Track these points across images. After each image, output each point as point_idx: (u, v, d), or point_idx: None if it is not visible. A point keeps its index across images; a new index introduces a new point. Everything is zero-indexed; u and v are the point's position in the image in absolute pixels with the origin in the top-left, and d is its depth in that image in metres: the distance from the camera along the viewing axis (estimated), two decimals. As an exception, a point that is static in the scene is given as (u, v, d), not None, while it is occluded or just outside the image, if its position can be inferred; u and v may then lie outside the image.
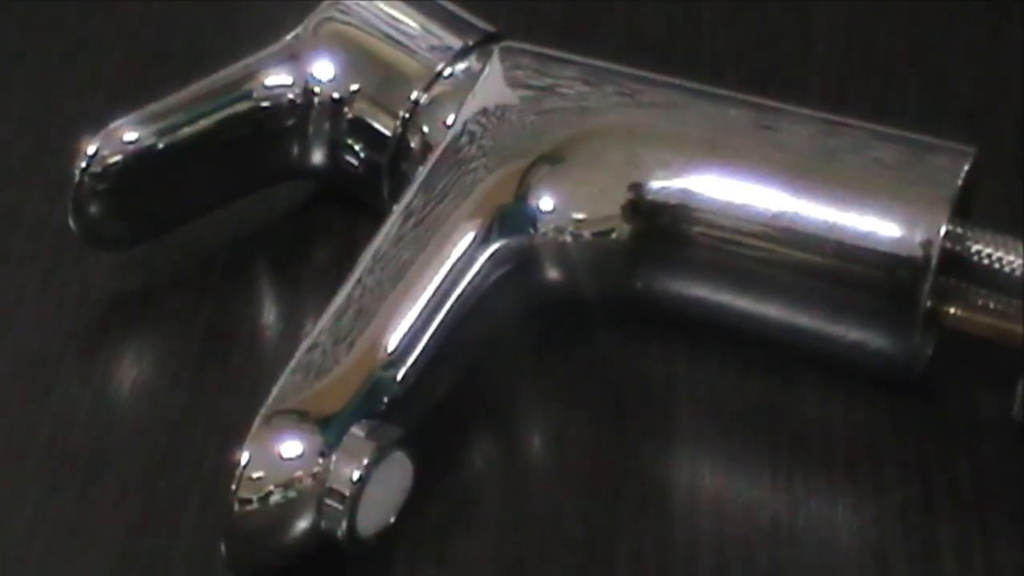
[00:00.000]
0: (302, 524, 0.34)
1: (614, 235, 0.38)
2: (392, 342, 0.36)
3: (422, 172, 0.38)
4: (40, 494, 0.37)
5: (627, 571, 0.36)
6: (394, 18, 0.41)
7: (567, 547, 0.36)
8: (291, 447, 0.34)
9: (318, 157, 0.41)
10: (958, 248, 0.37)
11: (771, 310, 0.39)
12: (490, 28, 0.41)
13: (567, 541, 0.36)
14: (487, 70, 0.40)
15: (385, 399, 0.35)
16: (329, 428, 0.34)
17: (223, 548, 0.34)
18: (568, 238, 0.38)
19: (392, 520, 0.35)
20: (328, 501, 0.34)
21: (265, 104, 0.41)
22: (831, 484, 0.38)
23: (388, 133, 0.40)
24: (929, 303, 0.37)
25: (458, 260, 0.37)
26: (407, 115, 0.40)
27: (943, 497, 0.37)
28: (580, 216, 0.38)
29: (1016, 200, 0.39)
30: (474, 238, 0.37)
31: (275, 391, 0.35)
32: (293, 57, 0.41)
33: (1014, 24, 0.48)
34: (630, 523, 0.37)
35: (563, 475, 0.38)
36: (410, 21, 0.41)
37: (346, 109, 0.41)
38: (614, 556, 0.36)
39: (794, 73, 0.44)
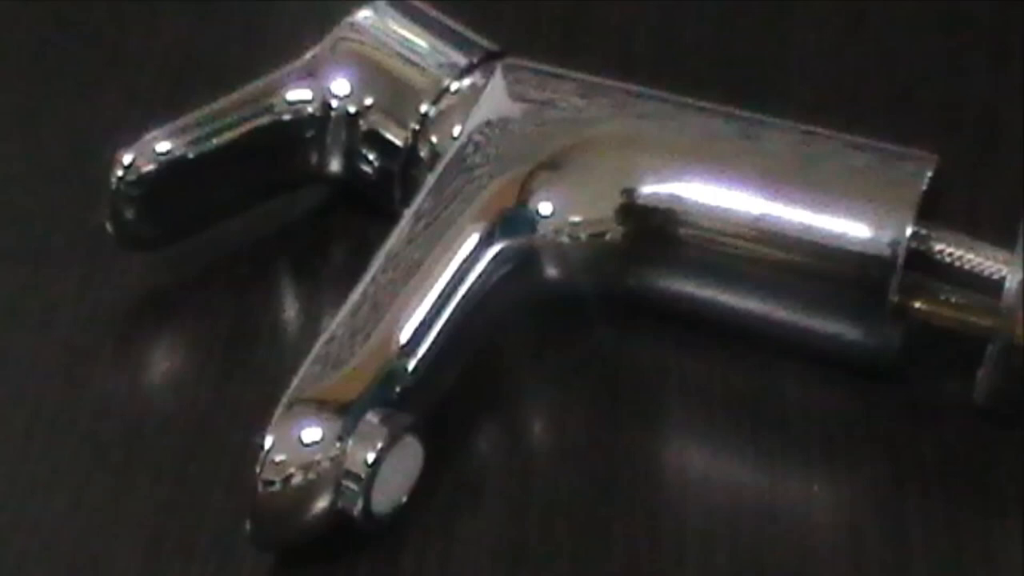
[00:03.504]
0: (321, 504, 0.34)
1: (608, 236, 0.39)
2: (404, 335, 0.36)
3: (431, 179, 0.39)
4: (78, 476, 0.37)
5: (622, 546, 0.36)
6: (405, 38, 0.41)
7: (566, 525, 0.36)
8: (311, 433, 0.34)
9: (335, 165, 0.41)
10: (923, 247, 0.37)
11: (753, 304, 0.39)
12: (493, 46, 0.41)
13: (566, 519, 0.36)
14: (490, 85, 0.40)
15: (398, 388, 0.35)
16: (346, 415, 0.34)
17: (248, 526, 0.34)
18: (566, 239, 0.38)
19: (404, 500, 0.35)
20: (345, 482, 0.34)
21: (287, 117, 0.41)
22: (808, 463, 0.38)
23: (400, 143, 0.40)
24: (897, 297, 0.37)
25: (464, 259, 0.37)
26: (417, 127, 0.40)
27: (911, 474, 0.37)
28: (577, 219, 0.38)
29: (976, 203, 0.39)
30: (479, 239, 0.37)
31: (296, 381, 0.35)
32: (312, 74, 0.41)
33: (977, 49, 0.48)
34: (624, 502, 0.37)
35: (562, 458, 0.38)
36: (419, 40, 0.41)
37: (361, 121, 0.41)
38: (610, 532, 0.36)
39: (773, 87, 0.44)
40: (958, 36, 0.48)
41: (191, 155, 0.40)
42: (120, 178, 0.39)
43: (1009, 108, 0.46)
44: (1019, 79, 0.46)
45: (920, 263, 0.37)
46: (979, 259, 0.37)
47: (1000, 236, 0.37)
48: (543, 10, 0.48)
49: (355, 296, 0.36)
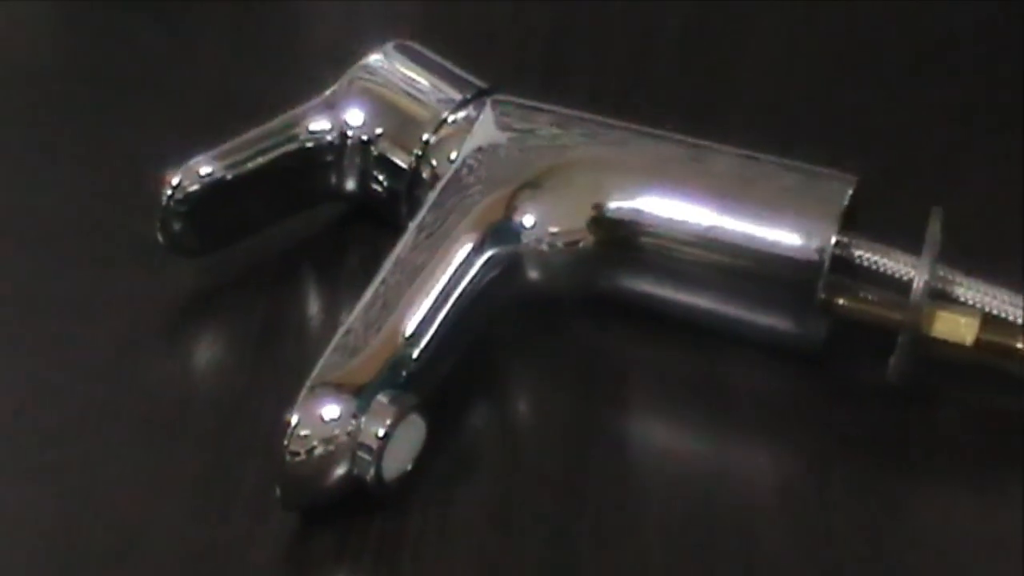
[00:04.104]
0: (339, 471, 0.34)
1: (581, 244, 0.39)
2: (409, 328, 0.36)
3: (432, 196, 0.39)
4: (131, 449, 0.37)
5: (594, 505, 0.36)
6: (409, 77, 0.41)
7: (548, 489, 0.36)
8: (331, 411, 0.34)
9: (350, 185, 0.41)
10: (845, 253, 0.37)
11: (703, 301, 0.39)
12: (483, 84, 0.41)
13: (548, 485, 0.36)
14: (482, 117, 0.40)
15: (404, 373, 0.35)
16: (360, 396, 0.34)
17: (278, 491, 0.34)
18: (546, 247, 0.38)
19: (409, 468, 0.35)
20: (359, 453, 0.34)
21: (309, 144, 0.41)
22: (750, 436, 0.38)
23: (405, 166, 0.40)
24: (823, 295, 0.37)
25: (460, 264, 0.37)
26: (420, 152, 0.40)
27: (835, 444, 0.37)
28: (555, 230, 0.38)
29: (890, 215, 0.39)
30: (472, 247, 0.37)
31: (318, 367, 0.35)
32: (331, 107, 0.41)
33: (892, 82, 0.48)
34: (597, 469, 0.37)
35: (544, 433, 0.38)
36: (421, 79, 0.41)
37: (372, 148, 0.41)
38: (585, 494, 0.36)
39: (719, 118, 0.44)
40: (875, 73, 0.48)
41: (229, 177, 0.40)
42: (169, 196, 0.39)
43: (920, 133, 0.46)
44: (927, 109, 0.47)
45: (842, 266, 0.37)
46: (891, 263, 0.37)
47: (909, 243, 0.37)
48: (526, 53, 0.48)
49: (368, 295, 0.36)
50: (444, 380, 0.37)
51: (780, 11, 0.50)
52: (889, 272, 0.37)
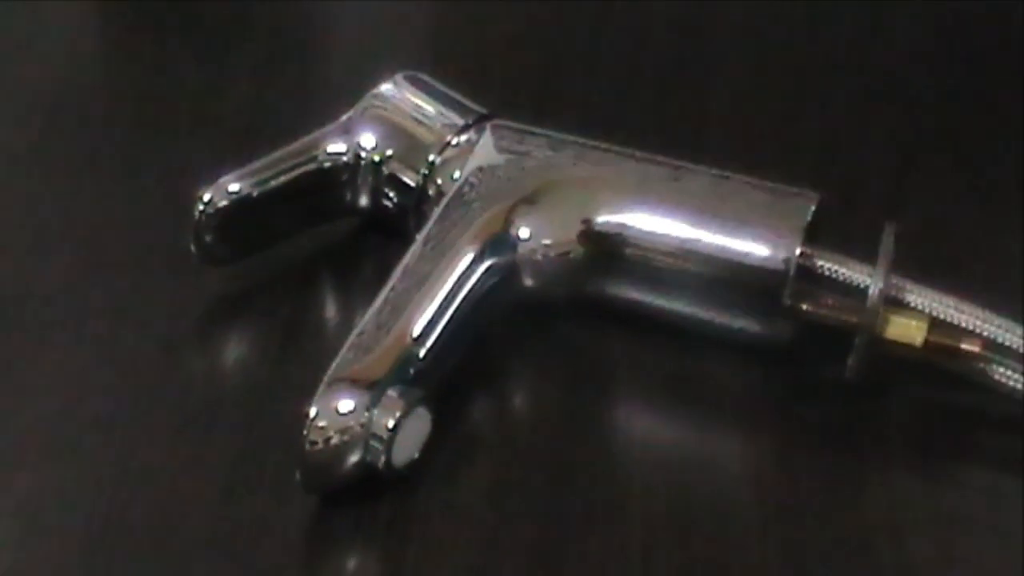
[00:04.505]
0: (353, 458, 0.34)
1: (571, 255, 0.38)
2: (416, 330, 0.36)
3: (437, 211, 0.38)
4: (167, 436, 0.37)
5: (582, 488, 0.36)
6: (417, 104, 0.41)
7: (540, 474, 0.36)
8: (346, 404, 0.34)
9: (363, 201, 0.41)
10: (808, 263, 0.37)
11: (681, 305, 0.39)
12: (483, 110, 0.41)
13: (540, 470, 0.36)
14: (482, 140, 0.40)
15: (411, 370, 0.35)
16: (373, 391, 0.34)
17: (298, 476, 0.34)
18: (540, 257, 0.38)
19: (417, 455, 0.35)
20: (372, 442, 0.34)
21: (327, 164, 0.41)
22: (724, 426, 0.38)
23: (413, 184, 0.40)
24: (788, 301, 0.37)
25: (462, 272, 0.37)
26: (426, 172, 0.40)
27: (800, 433, 0.37)
28: (548, 241, 0.38)
29: (848, 228, 0.39)
30: (473, 257, 0.37)
31: (334, 364, 0.35)
32: (346, 131, 0.41)
33: (854, 112, 0.48)
34: (585, 456, 0.37)
35: (537, 424, 0.38)
36: (427, 106, 0.41)
37: (384, 168, 0.40)
38: (574, 479, 0.36)
39: (695, 141, 0.44)
40: (833, 101, 0.48)
41: (255, 193, 0.40)
42: (201, 211, 0.39)
43: (874, 155, 0.46)
44: (880, 133, 0.46)
45: (806, 275, 0.37)
46: (849, 272, 0.37)
47: (865, 254, 0.37)
48: (522, 83, 0.47)
49: (379, 300, 0.36)
50: (448, 376, 0.36)
51: (748, 48, 0.50)
52: (847, 280, 0.37)
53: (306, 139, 0.41)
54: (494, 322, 0.38)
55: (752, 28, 0.51)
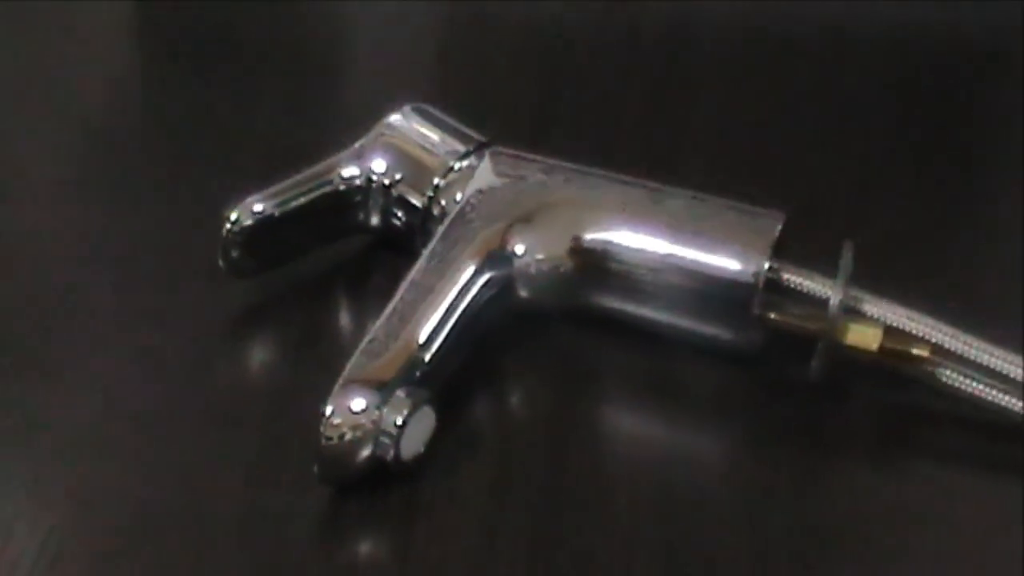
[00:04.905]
0: (365, 453, 0.34)
1: (562, 268, 0.38)
2: (422, 336, 0.36)
3: (441, 229, 0.38)
4: (197, 434, 0.36)
5: (573, 480, 0.36)
6: (423, 133, 0.41)
7: (535, 466, 0.36)
8: (358, 403, 0.34)
9: (374, 220, 0.41)
10: (775, 276, 0.37)
11: (661, 314, 0.38)
12: (482, 138, 0.41)
13: (535, 463, 0.36)
14: (481, 165, 0.40)
15: (417, 372, 0.35)
16: (382, 391, 0.34)
17: (315, 469, 0.34)
18: (533, 270, 0.38)
19: (423, 450, 0.35)
20: (382, 438, 0.34)
21: (342, 187, 0.40)
22: (700, 425, 0.38)
23: (419, 205, 0.40)
24: (758, 311, 0.37)
25: (463, 285, 0.37)
26: (431, 194, 0.40)
27: (769, 431, 0.37)
28: (540, 256, 0.38)
29: (811, 244, 0.38)
30: (474, 271, 0.37)
31: (348, 367, 0.35)
32: (359, 157, 0.41)
33: (818, 138, 0.48)
34: (576, 450, 0.36)
35: (532, 421, 0.38)
36: (432, 134, 0.41)
37: (393, 190, 0.40)
38: (566, 471, 0.36)
39: (674, 165, 0.43)
40: (799, 129, 0.48)
41: (277, 213, 0.39)
42: (228, 228, 0.39)
43: (835, 177, 0.45)
44: (841, 158, 0.46)
45: (774, 287, 0.37)
46: (813, 284, 0.37)
47: (827, 268, 0.37)
48: (517, 113, 0.47)
49: (388, 309, 0.36)
50: (450, 378, 0.36)
51: (723, 81, 0.50)
52: (811, 292, 0.37)
53: (323, 164, 0.41)
54: (492, 329, 0.38)
55: (726, 62, 0.51)
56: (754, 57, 0.51)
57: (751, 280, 0.37)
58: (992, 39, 0.52)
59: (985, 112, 0.49)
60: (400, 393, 0.34)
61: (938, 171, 0.46)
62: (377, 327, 0.36)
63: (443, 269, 0.37)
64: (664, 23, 0.52)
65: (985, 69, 0.51)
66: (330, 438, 0.34)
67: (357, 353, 0.35)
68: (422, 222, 0.40)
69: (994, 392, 0.36)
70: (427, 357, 0.35)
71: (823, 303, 0.36)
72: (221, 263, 0.39)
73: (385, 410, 0.34)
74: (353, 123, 0.42)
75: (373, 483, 0.34)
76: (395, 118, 0.41)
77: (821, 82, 0.50)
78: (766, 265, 0.37)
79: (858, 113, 0.48)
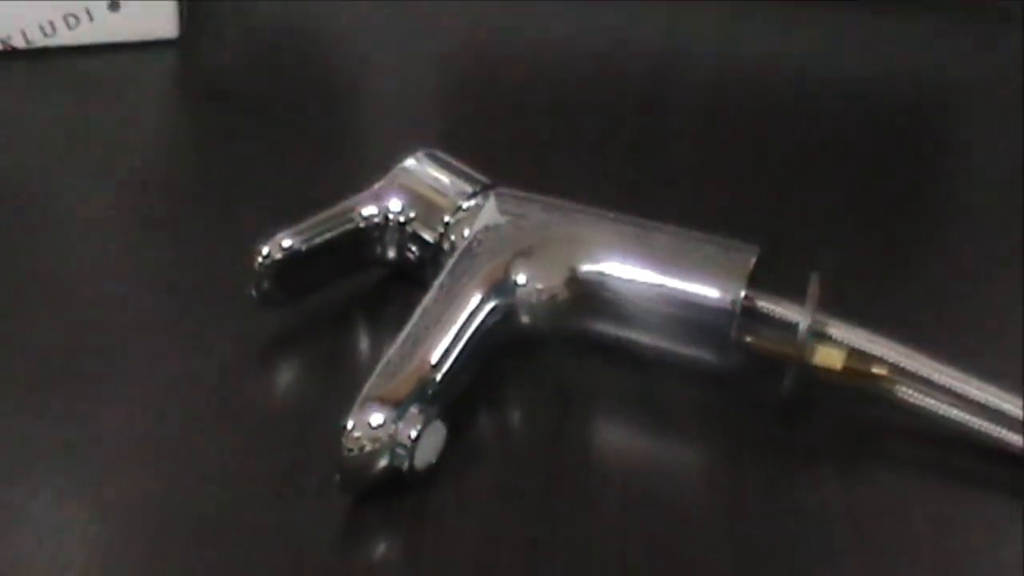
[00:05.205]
0: (382, 463, 0.34)
1: (559, 298, 0.38)
2: (434, 358, 0.36)
3: (450, 263, 0.38)
4: (231, 447, 0.36)
5: (568, 487, 0.36)
6: (434, 176, 0.41)
7: (534, 475, 0.36)
8: (376, 419, 0.34)
9: (391, 254, 0.41)
10: (750, 304, 0.37)
11: (647, 337, 0.38)
12: (488, 180, 0.41)
13: (534, 472, 0.36)
14: (487, 205, 0.40)
15: (429, 391, 0.35)
16: (398, 408, 0.34)
17: (336, 478, 0.34)
18: (533, 299, 0.38)
19: (434, 460, 0.35)
20: (397, 450, 0.34)
21: (362, 224, 0.40)
22: (682, 438, 0.38)
23: (431, 241, 0.40)
24: (735, 335, 0.37)
25: (470, 312, 0.37)
26: (442, 230, 0.40)
27: (745, 443, 0.37)
28: (540, 287, 0.38)
29: (782, 275, 0.38)
30: (480, 300, 0.37)
31: (366, 387, 0.35)
32: (377, 198, 0.41)
33: (787, 178, 0.48)
34: (570, 461, 0.36)
35: (532, 435, 0.38)
36: (443, 177, 0.41)
37: (407, 227, 0.40)
38: (562, 479, 0.36)
39: (656, 203, 0.43)
40: (768, 168, 0.48)
41: (304, 248, 0.39)
42: (260, 262, 0.39)
43: (803, 212, 0.46)
44: (809, 194, 0.46)
45: (749, 313, 0.37)
46: (783, 311, 0.37)
47: (796, 295, 0.37)
48: (519, 157, 0.47)
49: (403, 334, 0.36)
50: (459, 396, 0.37)
51: (702, 128, 0.50)
52: (782, 318, 0.37)
53: (345, 204, 0.40)
54: (496, 352, 0.38)
55: (703, 111, 0.51)
56: (727, 106, 0.51)
57: (729, 307, 0.37)
58: (936, 88, 0.52)
59: (933, 154, 0.49)
60: (414, 409, 0.34)
61: (893, 208, 0.46)
62: (392, 350, 0.36)
63: (452, 298, 0.37)
64: (647, 78, 0.52)
65: (931, 115, 0.51)
66: (351, 450, 0.34)
67: (375, 374, 0.35)
68: (433, 256, 0.40)
69: (948, 408, 0.36)
70: (438, 377, 0.35)
71: (793, 328, 0.36)
72: (253, 293, 0.39)
73: (400, 425, 0.34)
74: (371, 167, 0.42)
75: (389, 490, 0.34)
76: (409, 162, 0.41)
77: (787, 128, 0.50)
78: (742, 294, 0.37)
79: (821, 156, 0.49)
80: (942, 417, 0.36)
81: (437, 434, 0.35)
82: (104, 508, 0.34)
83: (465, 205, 0.40)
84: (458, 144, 0.43)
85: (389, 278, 0.42)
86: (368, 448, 0.34)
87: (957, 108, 0.51)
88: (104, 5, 0.46)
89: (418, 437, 0.34)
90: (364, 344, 0.41)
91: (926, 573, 0.33)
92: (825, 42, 0.52)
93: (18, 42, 0.45)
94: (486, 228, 0.39)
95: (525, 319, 0.38)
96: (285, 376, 0.40)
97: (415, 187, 0.41)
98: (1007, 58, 0.51)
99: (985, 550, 0.34)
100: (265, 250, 0.39)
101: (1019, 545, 0.33)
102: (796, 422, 0.37)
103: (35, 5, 0.45)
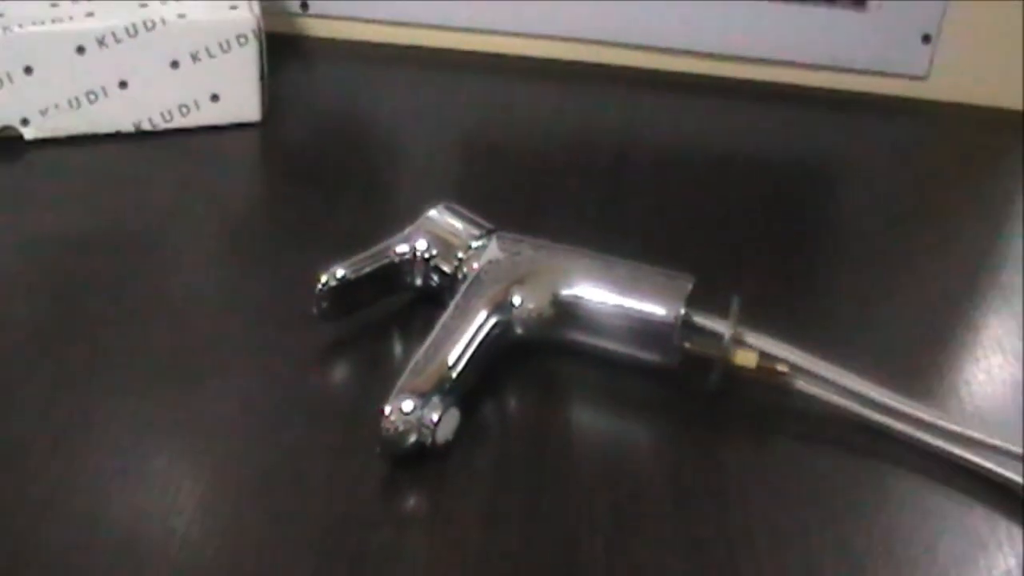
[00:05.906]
0: (412, 439, 0.35)
1: (545, 315, 0.39)
2: (451, 361, 0.36)
3: (462, 289, 0.39)
4: (294, 434, 0.36)
5: (552, 461, 0.36)
6: (451, 223, 0.42)
7: (524, 454, 0.36)
8: (407, 406, 0.35)
9: (419, 281, 0.41)
10: (688, 319, 0.38)
11: (611, 344, 0.39)
12: (491, 226, 0.41)
13: (524, 452, 0.36)
14: (490, 244, 0.40)
15: (447, 386, 0.36)
16: (424, 397, 0.35)
17: (378, 449, 0.35)
18: (526, 316, 0.39)
19: (451, 437, 0.36)
20: (423, 429, 0.35)
21: (396, 260, 0.41)
22: (638, 420, 0.38)
23: (449, 271, 0.40)
24: (676, 342, 0.38)
25: (478, 326, 0.38)
26: (457, 264, 0.40)
27: (685, 425, 0.37)
28: (531, 307, 0.39)
29: (711, 297, 0.39)
30: (485, 316, 0.38)
31: (400, 381, 0.35)
32: (408, 239, 0.41)
33: (719, 228, 0.48)
34: (553, 441, 0.37)
35: (524, 420, 0.38)
36: (457, 224, 0.41)
37: (431, 262, 0.41)
38: (546, 455, 0.36)
39: (619, 244, 0.42)
40: (700, 219, 0.47)
41: (352, 277, 0.40)
42: (319, 288, 0.39)
43: (728, 254, 0.45)
44: (732, 240, 0.46)
45: (687, 326, 0.38)
46: (712, 324, 0.38)
47: (722, 312, 0.38)
48: (514, 205, 0.47)
49: (427, 343, 0.37)
50: (470, 390, 0.37)
51: (652, 188, 0.49)
52: (711, 329, 0.38)
53: (383, 244, 0.41)
54: (497, 356, 0.38)
55: (655, 176, 0.50)
56: (673, 172, 0.51)
57: (672, 321, 0.38)
58: (824, 160, 0.52)
59: (823, 208, 0.49)
60: (435, 399, 0.35)
61: (794, 249, 0.46)
62: (419, 354, 0.36)
63: (464, 315, 0.38)
64: (613, 148, 0.51)
65: (820, 180, 0.51)
66: (388, 429, 0.35)
67: (406, 372, 0.36)
68: (450, 283, 0.40)
69: (832, 395, 0.38)
70: (454, 375, 0.36)
71: (719, 336, 0.38)
72: (315, 311, 0.40)
73: (425, 410, 0.35)
74: (403, 216, 0.42)
75: (417, 459, 0.35)
76: (432, 212, 0.42)
77: (717, 189, 0.50)
78: (682, 311, 0.38)
79: (742, 210, 0.48)
80: (827, 403, 0.37)
81: (453, 418, 0.36)
82: (204, 470, 0.35)
83: (474, 245, 0.40)
84: (469, 198, 0.43)
85: (417, 300, 0.42)
86: (401, 428, 0.35)
87: (838, 175, 0.51)
88: (207, 97, 0.48)
89: (439, 420, 0.35)
90: (398, 349, 0.41)
91: (811, 506, 0.35)
92: (747, 127, 0.53)
93: (146, 126, 0.48)
94: (490, 262, 0.40)
95: (520, 331, 0.39)
96: (339, 373, 0.40)
97: (436, 231, 0.41)
98: (874, 139, 0.52)
99: (851, 490, 0.35)
100: (324, 278, 0.40)
101: (871, 491, 0.35)
102: (721, 408, 0.38)
103: (159, 98, 0.49)
